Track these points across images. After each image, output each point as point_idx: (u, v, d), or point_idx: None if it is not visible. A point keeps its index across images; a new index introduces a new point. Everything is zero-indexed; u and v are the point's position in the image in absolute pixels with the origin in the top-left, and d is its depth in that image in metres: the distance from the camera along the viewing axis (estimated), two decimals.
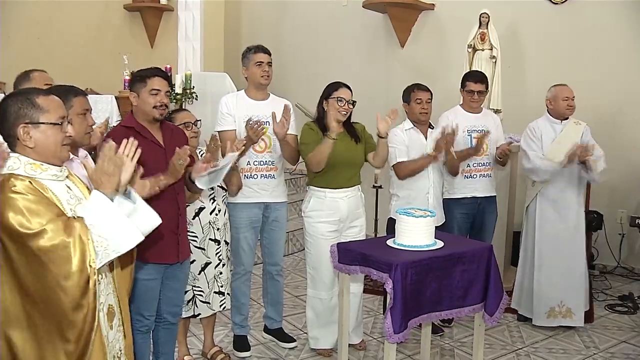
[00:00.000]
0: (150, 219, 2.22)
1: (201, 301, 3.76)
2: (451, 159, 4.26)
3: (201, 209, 3.68)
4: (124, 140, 2.20)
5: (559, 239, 4.56)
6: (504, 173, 5.27)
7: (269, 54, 4.04)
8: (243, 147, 3.66)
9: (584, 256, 4.68)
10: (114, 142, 2.16)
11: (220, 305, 3.84)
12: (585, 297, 4.69)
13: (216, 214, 3.77)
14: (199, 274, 3.72)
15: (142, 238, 2.15)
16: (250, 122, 3.80)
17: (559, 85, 4.65)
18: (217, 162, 3.28)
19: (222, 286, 3.82)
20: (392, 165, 4.23)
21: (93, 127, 2.89)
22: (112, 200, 2.10)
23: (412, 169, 4.18)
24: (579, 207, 4.64)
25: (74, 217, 2.07)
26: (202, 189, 3.29)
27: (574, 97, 4.58)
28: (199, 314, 3.79)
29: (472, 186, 4.55)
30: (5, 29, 7.11)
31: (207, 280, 3.76)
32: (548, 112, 4.66)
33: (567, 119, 4.62)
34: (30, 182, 2.06)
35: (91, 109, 2.80)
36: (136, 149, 2.22)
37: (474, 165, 4.54)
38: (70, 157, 2.62)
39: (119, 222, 2.09)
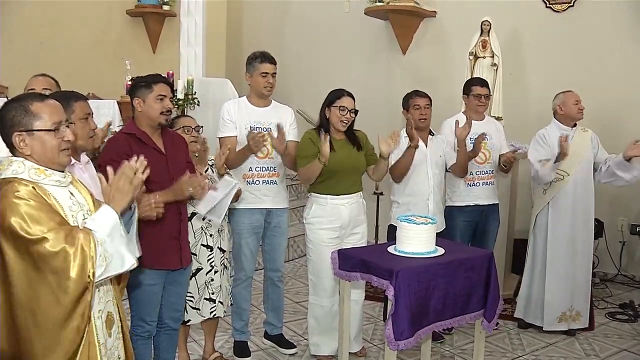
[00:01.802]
0: (132, 251, 2.21)
1: (191, 307, 3.73)
2: (459, 154, 4.28)
3: (193, 214, 3.64)
4: (135, 157, 2.20)
5: (570, 247, 4.58)
6: (506, 181, 5.27)
7: (275, 64, 4.04)
8: (239, 154, 3.70)
9: (591, 262, 4.72)
10: (134, 163, 2.15)
11: (211, 312, 3.79)
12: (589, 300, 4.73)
13: (209, 220, 3.74)
14: (189, 279, 3.69)
15: (136, 264, 2.15)
16: (253, 133, 3.79)
17: (566, 91, 4.68)
18: (215, 186, 3.30)
19: (213, 293, 3.78)
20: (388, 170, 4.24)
21: (95, 130, 2.90)
22: (120, 218, 2.11)
23: (400, 167, 4.16)
24: (589, 216, 4.66)
25: (79, 227, 2.06)
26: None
27: (581, 100, 4.63)
28: (189, 320, 3.77)
29: (474, 194, 4.56)
30: (8, 33, 7.13)
31: (198, 286, 3.72)
32: (557, 119, 4.67)
33: (575, 125, 4.64)
34: (33, 187, 2.06)
35: (92, 113, 2.81)
36: (145, 168, 2.21)
37: (477, 173, 4.55)
38: (72, 161, 2.64)
39: (123, 242, 2.10)
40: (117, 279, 2.33)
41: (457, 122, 4.29)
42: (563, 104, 4.63)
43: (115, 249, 2.07)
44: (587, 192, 4.63)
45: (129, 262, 2.12)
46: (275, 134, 3.87)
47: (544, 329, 4.66)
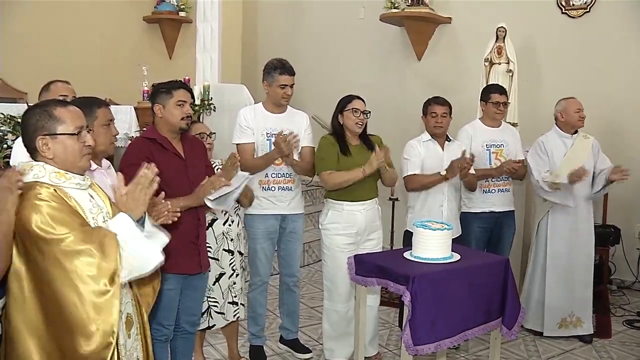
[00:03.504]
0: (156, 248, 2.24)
1: (216, 312, 3.77)
2: (468, 179, 4.28)
3: (214, 220, 3.69)
4: (146, 164, 2.23)
5: (571, 253, 4.57)
6: (521, 187, 5.25)
7: (294, 74, 4.03)
8: (266, 159, 3.69)
9: (592, 268, 4.68)
10: (150, 173, 2.18)
11: (234, 315, 3.84)
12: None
13: (229, 225, 3.78)
14: (213, 284, 3.72)
15: (162, 260, 2.19)
16: (283, 135, 3.79)
17: (568, 98, 4.66)
18: (229, 182, 3.31)
19: (235, 296, 3.83)
20: (403, 177, 4.25)
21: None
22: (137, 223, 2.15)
23: (423, 183, 4.20)
24: (589, 221, 4.65)
25: (102, 228, 2.10)
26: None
27: (583, 109, 4.60)
28: (214, 325, 3.80)
29: (490, 201, 4.54)
30: (26, 41, 7.22)
31: (222, 291, 3.77)
32: (557, 125, 4.66)
33: (576, 132, 4.62)
34: (54, 189, 2.11)
35: (114, 119, 2.84)
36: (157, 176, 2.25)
37: (493, 180, 4.53)
38: (94, 167, 2.67)
39: (143, 244, 2.14)
40: (147, 278, 2.36)
41: (463, 152, 4.19)
42: (564, 111, 4.61)
43: (136, 251, 2.10)
44: (587, 200, 4.61)
45: (155, 259, 2.16)
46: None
47: (544, 334, 4.65)
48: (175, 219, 2.65)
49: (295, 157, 4.02)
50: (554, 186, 4.43)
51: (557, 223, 4.59)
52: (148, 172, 2.18)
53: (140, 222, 2.22)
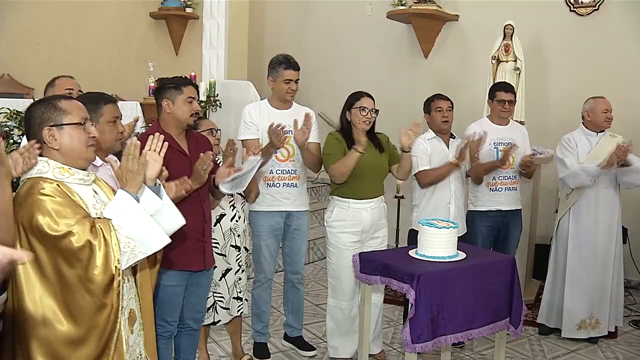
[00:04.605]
0: (175, 219, 2.27)
1: (221, 307, 3.77)
2: (475, 165, 4.26)
3: (222, 215, 3.69)
4: (150, 137, 2.24)
5: (592, 252, 4.52)
6: (528, 186, 5.22)
7: (298, 70, 4.03)
8: (263, 152, 3.68)
9: (611, 269, 4.58)
10: (137, 140, 2.21)
11: (238, 310, 3.85)
12: (610, 307, 4.62)
13: (236, 221, 3.78)
14: (219, 280, 3.73)
15: (169, 240, 2.18)
16: (273, 127, 3.79)
17: (597, 97, 4.61)
18: (240, 167, 3.29)
19: (240, 292, 3.84)
20: (415, 174, 4.24)
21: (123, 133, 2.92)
22: (137, 199, 2.15)
23: (435, 177, 4.19)
24: (613, 219, 4.58)
25: (98, 218, 2.11)
26: (225, 194, 3.32)
27: (612, 109, 4.55)
28: (219, 321, 3.81)
29: (497, 199, 4.52)
30: (35, 37, 7.23)
31: (228, 287, 3.77)
32: (584, 124, 4.62)
33: (603, 131, 4.58)
34: (58, 184, 2.12)
35: (121, 116, 2.82)
36: (163, 142, 2.29)
37: (500, 178, 4.51)
38: (100, 163, 2.67)
39: (145, 223, 2.13)
40: (151, 261, 2.37)
41: (472, 135, 4.21)
42: (591, 111, 4.57)
43: (137, 233, 2.10)
44: (611, 199, 4.56)
45: (159, 241, 2.15)
46: (299, 126, 3.88)
47: (562, 335, 4.61)
48: (188, 187, 2.72)
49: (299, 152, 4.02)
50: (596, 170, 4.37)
51: (579, 220, 4.53)
52: (134, 139, 2.21)
53: (157, 188, 2.25)
